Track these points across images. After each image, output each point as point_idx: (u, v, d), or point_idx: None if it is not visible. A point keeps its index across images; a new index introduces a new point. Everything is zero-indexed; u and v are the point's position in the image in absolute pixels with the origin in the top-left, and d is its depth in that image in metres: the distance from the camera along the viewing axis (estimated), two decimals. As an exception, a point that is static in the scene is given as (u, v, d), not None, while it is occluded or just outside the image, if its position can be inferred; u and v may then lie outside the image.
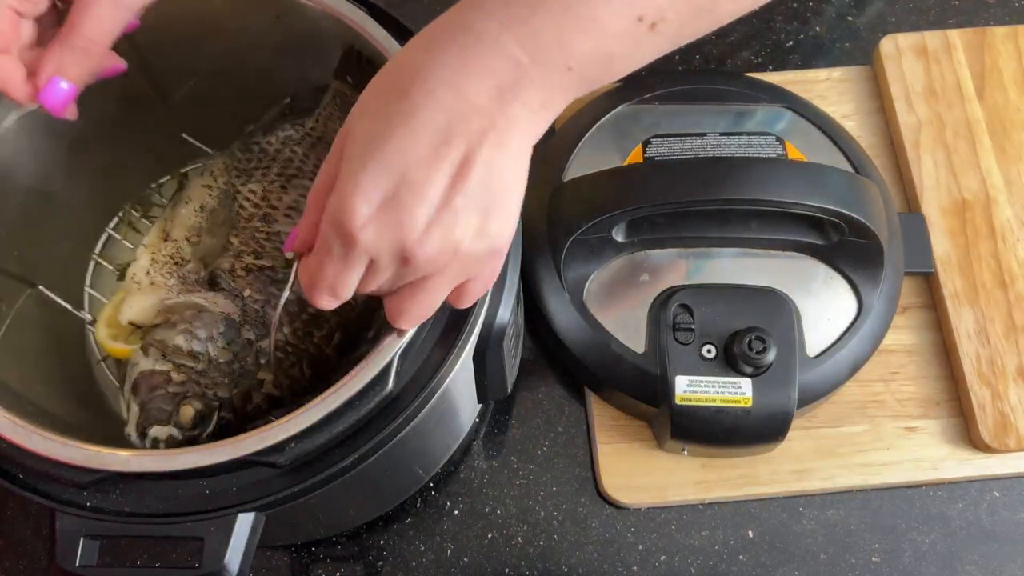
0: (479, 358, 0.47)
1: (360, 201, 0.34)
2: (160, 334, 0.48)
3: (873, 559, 0.57)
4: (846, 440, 0.59)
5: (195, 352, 0.47)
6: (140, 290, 0.51)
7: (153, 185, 0.62)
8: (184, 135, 0.60)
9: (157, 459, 0.40)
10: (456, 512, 0.58)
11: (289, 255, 0.40)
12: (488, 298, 0.44)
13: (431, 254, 0.35)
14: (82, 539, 0.39)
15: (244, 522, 0.40)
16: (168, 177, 0.62)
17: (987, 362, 0.59)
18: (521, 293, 0.55)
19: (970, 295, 0.61)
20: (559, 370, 0.62)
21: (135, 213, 0.61)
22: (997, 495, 0.59)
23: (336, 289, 0.37)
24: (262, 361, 0.48)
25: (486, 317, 0.44)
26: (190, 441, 0.46)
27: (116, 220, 0.61)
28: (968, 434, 0.59)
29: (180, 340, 0.47)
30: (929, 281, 0.63)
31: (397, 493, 0.57)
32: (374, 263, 0.36)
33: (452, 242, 0.35)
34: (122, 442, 0.46)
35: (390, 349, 0.40)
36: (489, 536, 0.58)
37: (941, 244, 0.62)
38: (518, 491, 0.59)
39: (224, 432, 0.47)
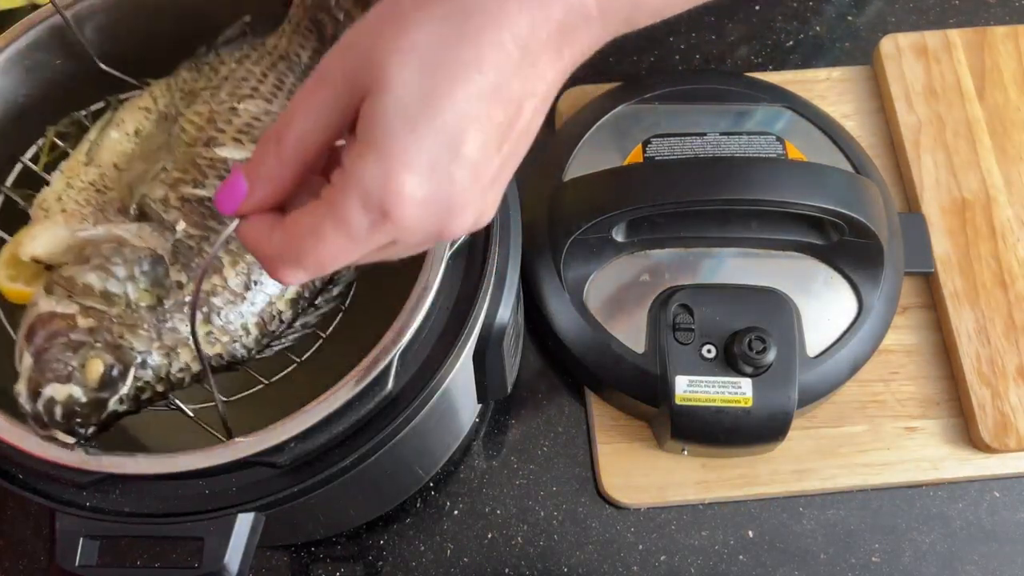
0: (479, 358, 0.47)
1: (411, 175, 0.29)
2: (69, 271, 0.40)
3: (873, 559, 0.57)
4: (846, 440, 0.59)
5: (110, 293, 0.40)
6: (48, 219, 0.43)
7: (84, 112, 0.50)
8: (104, 66, 0.50)
9: (156, 460, 0.40)
10: (456, 512, 0.58)
11: (181, 226, 0.34)
12: (488, 298, 0.44)
13: (457, 234, 0.31)
14: (82, 539, 0.39)
15: (244, 522, 0.40)
16: (102, 104, 0.51)
17: (987, 362, 0.59)
18: (521, 293, 0.55)
19: (970, 295, 0.61)
20: (559, 370, 0.62)
21: (60, 143, 0.50)
22: (997, 495, 0.59)
23: (327, 266, 0.31)
24: (179, 315, 0.41)
25: (486, 317, 0.44)
26: (96, 406, 0.39)
27: (34, 149, 0.50)
28: (968, 434, 0.59)
29: (92, 278, 0.40)
30: (929, 281, 0.63)
31: (397, 493, 0.57)
32: (394, 243, 0.31)
33: (478, 222, 0.32)
34: (122, 442, 0.46)
35: (390, 349, 0.40)
36: (489, 536, 0.58)
37: (941, 244, 0.62)
38: (518, 491, 0.59)
39: (141, 400, 0.40)
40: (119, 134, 0.46)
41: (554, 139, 0.64)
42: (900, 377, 0.61)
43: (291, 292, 0.44)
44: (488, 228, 0.45)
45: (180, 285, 0.41)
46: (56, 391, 0.38)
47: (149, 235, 0.41)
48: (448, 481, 0.59)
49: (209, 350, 0.42)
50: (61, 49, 0.49)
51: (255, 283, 0.43)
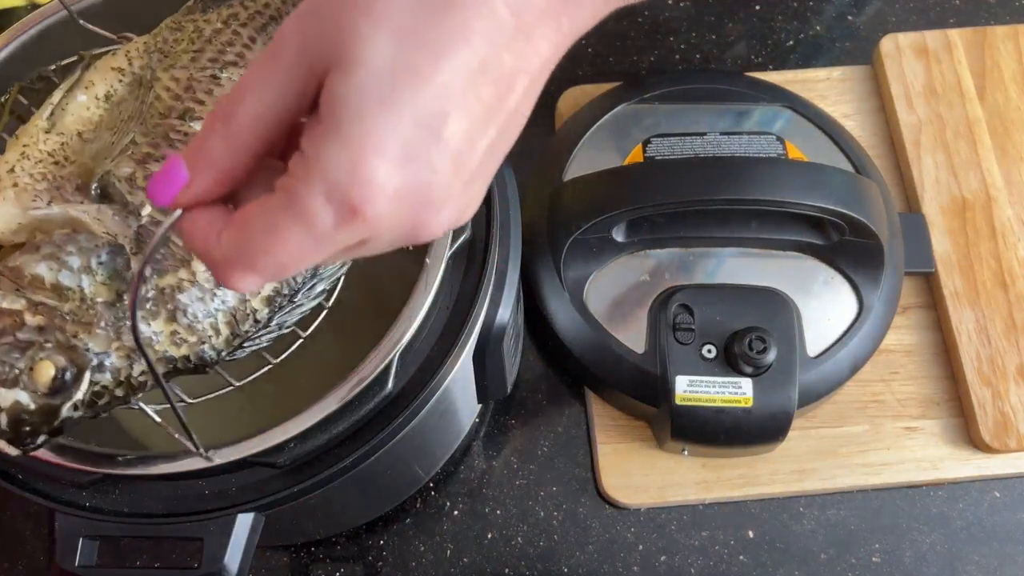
0: (479, 358, 0.46)
1: (383, 162, 0.25)
2: (16, 259, 0.36)
3: (873, 559, 0.57)
4: (846, 440, 0.59)
5: (62, 287, 0.35)
6: None
7: (52, 66, 0.46)
8: (81, 21, 0.46)
9: (156, 460, 0.40)
10: (456, 512, 0.58)
11: (145, 210, 0.29)
12: (488, 298, 0.44)
13: (435, 233, 0.27)
14: (81, 539, 0.39)
15: (243, 522, 0.40)
16: (74, 58, 0.46)
17: (987, 362, 0.59)
18: (521, 293, 0.55)
19: (970, 295, 0.61)
20: (559, 370, 0.62)
21: (23, 100, 0.45)
22: (998, 495, 0.59)
23: (286, 269, 0.27)
24: (140, 313, 0.36)
25: (486, 317, 0.44)
26: (47, 413, 0.35)
27: None
28: (968, 434, 0.59)
29: (43, 269, 0.36)
30: (929, 281, 0.63)
31: (397, 493, 0.56)
32: (363, 242, 0.27)
33: (458, 220, 0.28)
34: (121, 443, 0.46)
35: (390, 349, 0.40)
36: (489, 536, 0.58)
37: (941, 244, 0.62)
38: (518, 491, 0.59)
39: (98, 406, 0.36)
40: (87, 97, 0.41)
41: (554, 139, 0.64)
42: (900, 377, 0.61)
43: (268, 289, 0.40)
44: (488, 228, 0.45)
45: (144, 279, 0.37)
46: (1, 397, 0.34)
47: (110, 219, 0.37)
48: (448, 481, 0.59)
49: (175, 352, 0.38)
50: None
51: None
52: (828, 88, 0.69)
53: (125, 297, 0.36)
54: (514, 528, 0.58)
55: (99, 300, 0.36)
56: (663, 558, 0.57)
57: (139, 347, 0.30)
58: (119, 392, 0.37)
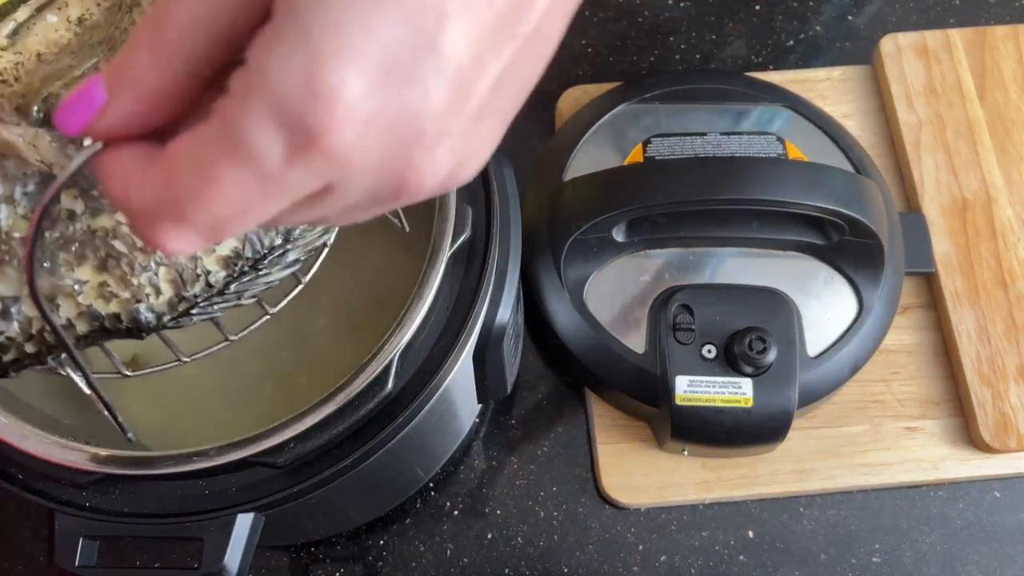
0: (479, 358, 0.46)
1: (353, 71, 0.18)
2: None
3: (874, 559, 0.57)
4: (846, 440, 0.59)
5: None
6: None
7: None
8: None
9: (156, 460, 0.40)
10: (456, 512, 0.58)
11: (87, 142, 0.22)
12: (488, 298, 0.44)
13: (426, 185, 0.21)
14: (81, 539, 0.39)
15: (243, 522, 0.40)
16: None
17: (988, 362, 0.59)
18: (521, 293, 0.55)
19: (971, 295, 0.61)
20: (559, 370, 0.62)
21: None
22: (998, 495, 0.59)
23: (226, 225, 0.20)
24: (64, 256, 0.32)
25: (486, 317, 0.44)
26: None
27: None
28: (969, 434, 0.59)
29: None
30: (930, 281, 0.63)
31: (397, 493, 0.56)
32: (329, 189, 0.20)
33: (458, 171, 0.21)
34: (121, 443, 0.46)
35: (390, 349, 0.40)
36: (489, 536, 0.58)
37: (941, 244, 0.62)
38: (518, 491, 0.59)
39: (3, 362, 0.33)
40: (57, 19, 0.37)
41: (554, 139, 0.64)
42: (900, 377, 0.61)
43: (226, 248, 0.35)
44: (488, 228, 0.45)
45: (72, 216, 0.32)
46: None
47: (46, 146, 0.32)
48: (448, 481, 0.59)
49: (102, 307, 0.33)
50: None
51: None
52: (828, 88, 0.69)
53: (47, 235, 0.32)
54: (514, 528, 0.58)
55: (16, 235, 0.31)
56: (663, 558, 0.57)
57: (33, 294, 0.25)
58: (29, 348, 0.32)
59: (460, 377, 0.45)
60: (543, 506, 0.58)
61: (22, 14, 0.37)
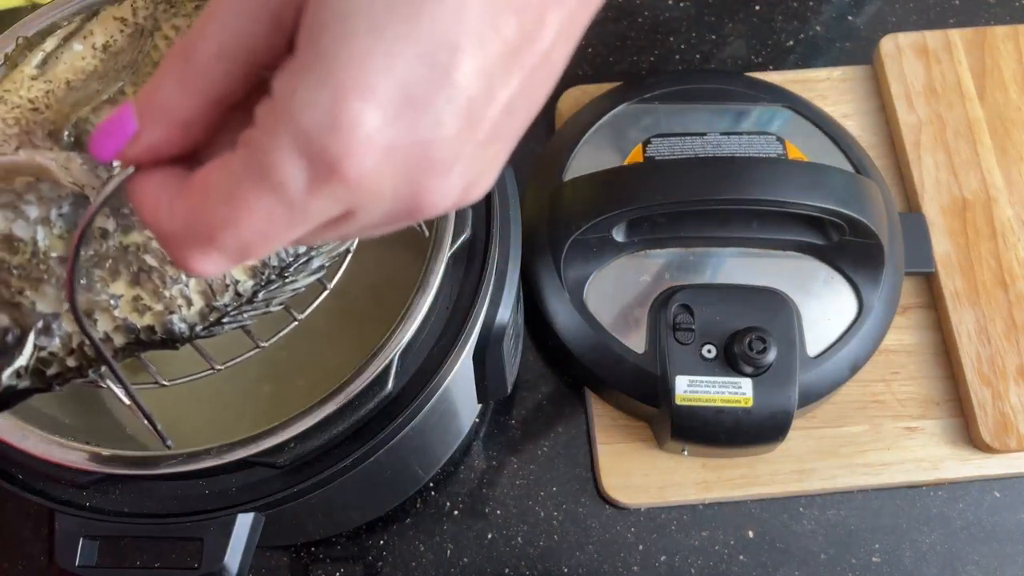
0: (479, 358, 0.46)
1: (372, 105, 0.20)
2: None
3: (873, 559, 0.57)
4: (846, 440, 0.59)
5: (14, 238, 0.32)
6: None
7: (67, 22, 0.42)
8: None
9: (156, 460, 0.40)
10: (456, 512, 0.58)
11: (116, 167, 0.24)
12: (488, 298, 0.44)
13: (439, 207, 0.22)
14: (81, 539, 0.39)
15: (243, 522, 0.40)
16: (81, 17, 0.42)
17: (988, 362, 0.59)
18: (521, 293, 0.55)
19: (971, 295, 0.61)
20: (559, 370, 0.62)
21: (26, 53, 0.41)
22: (998, 495, 0.59)
23: (253, 248, 0.22)
24: (100, 273, 0.33)
25: (486, 317, 0.44)
26: None
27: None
28: (969, 434, 0.59)
29: None
30: (930, 281, 0.63)
31: (397, 493, 0.56)
32: (349, 214, 0.22)
33: (469, 192, 0.23)
34: (121, 443, 0.46)
35: (390, 349, 0.40)
36: (489, 536, 0.58)
37: (941, 244, 0.62)
38: (518, 491, 0.59)
39: (47, 376, 0.33)
40: (84, 47, 0.38)
41: (554, 139, 0.64)
42: (900, 377, 0.61)
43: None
44: (488, 228, 0.45)
45: (105, 234, 0.33)
46: None
47: (78, 168, 0.33)
48: (448, 481, 0.59)
49: (137, 320, 0.34)
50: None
51: None
52: (828, 88, 0.69)
53: (83, 253, 0.33)
54: (514, 528, 0.58)
55: (53, 255, 0.32)
56: (663, 558, 0.57)
57: (75, 312, 0.26)
58: (71, 362, 0.33)
59: (460, 377, 0.45)
60: (543, 506, 0.58)
61: (50, 44, 0.39)
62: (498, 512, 0.58)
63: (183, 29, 0.37)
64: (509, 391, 0.56)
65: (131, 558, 0.41)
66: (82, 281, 0.33)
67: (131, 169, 0.23)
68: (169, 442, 0.37)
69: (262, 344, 0.39)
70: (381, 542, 0.58)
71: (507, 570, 0.57)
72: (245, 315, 0.37)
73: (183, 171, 0.23)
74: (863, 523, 0.58)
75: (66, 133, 0.36)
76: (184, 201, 0.22)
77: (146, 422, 0.36)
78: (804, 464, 0.58)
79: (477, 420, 0.60)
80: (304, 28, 0.20)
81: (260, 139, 0.20)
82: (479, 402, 0.55)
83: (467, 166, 0.22)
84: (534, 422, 0.61)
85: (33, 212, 0.33)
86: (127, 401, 0.36)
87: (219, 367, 0.38)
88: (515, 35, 0.21)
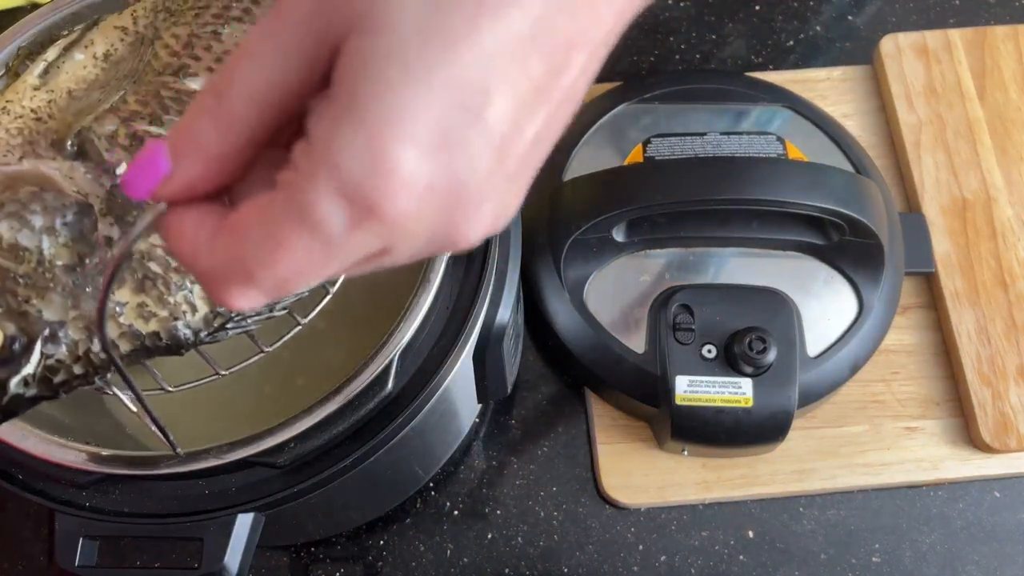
0: (479, 358, 0.46)
1: (410, 148, 0.20)
2: None
3: (874, 559, 0.57)
4: (846, 440, 0.59)
5: (19, 247, 0.32)
6: None
7: (66, 32, 0.43)
8: None
9: (156, 460, 0.40)
10: (456, 512, 0.58)
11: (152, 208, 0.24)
12: (488, 298, 0.44)
13: (471, 240, 0.23)
14: (81, 539, 0.39)
15: (243, 522, 0.40)
16: (82, 27, 0.43)
17: (988, 362, 0.59)
18: (521, 293, 0.55)
19: (971, 295, 0.61)
20: (559, 370, 0.62)
21: (29, 64, 0.41)
22: (998, 495, 0.59)
23: (290, 284, 0.22)
24: (113, 291, 0.33)
25: (486, 317, 0.44)
26: None
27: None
28: (969, 434, 0.59)
29: (2, 228, 0.33)
30: (930, 281, 0.63)
31: (397, 493, 0.56)
32: (385, 251, 0.23)
33: (496, 223, 0.24)
34: (121, 443, 0.46)
35: (390, 349, 0.40)
36: (489, 536, 0.58)
37: (942, 244, 0.62)
38: (518, 491, 0.59)
39: (54, 383, 0.33)
40: (84, 56, 0.38)
41: (554, 139, 0.64)
42: (900, 377, 0.61)
43: None
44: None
45: (109, 242, 0.33)
46: None
47: (82, 177, 0.34)
48: (448, 481, 0.59)
49: (142, 327, 0.34)
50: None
51: None
52: (828, 88, 0.69)
53: (87, 261, 0.33)
54: (514, 528, 0.58)
55: (58, 263, 0.32)
56: (663, 558, 0.57)
57: (103, 340, 0.27)
58: (77, 369, 0.33)
59: (460, 377, 0.45)
60: (543, 506, 0.58)
61: (51, 54, 0.39)
62: (498, 512, 0.58)
63: (182, 37, 0.37)
64: (509, 391, 0.56)
65: (131, 558, 0.41)
66: (87, 289, 0.33)
67: (163, 206, 0.23)
68: (179, 449, 0.37)
69: (266, 349, 0.39)
70: (381, 542, 0.58)
71: (507, 570, 0.57)
72: (249, 320, 0.37)
73: (217, 207, 0.23)
74: (863, 523, 0.58)
75: (69, 143, 0.36)
76: (223, 240, 0.22)
77: (155, 429, 0.36)
78: (804, 464, 0.58)
79: (477, 420, 0.60)
80: (340, 71, 0.21)
81: (299, 182, 0.21)
82: (479, 402, 0.55)
83: (497, 199, 0.23)
84: (534, 422, 0.61)
85: (38, 221, 0.33)
86: (134, 408, 0.36)
87: (223, 372, 0.39)
88: (542, 75, 0.22)
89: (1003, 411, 0.58)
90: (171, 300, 0.35)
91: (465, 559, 0.57)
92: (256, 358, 0.39)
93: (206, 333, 0.36)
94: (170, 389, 0.38)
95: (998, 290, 0.61)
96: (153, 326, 0.34)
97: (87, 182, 0.34)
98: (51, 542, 0.39)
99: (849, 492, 0.59)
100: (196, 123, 0.22)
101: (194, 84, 0.36)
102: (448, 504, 0.59)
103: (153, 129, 0.35)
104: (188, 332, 0.35)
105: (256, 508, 0.40)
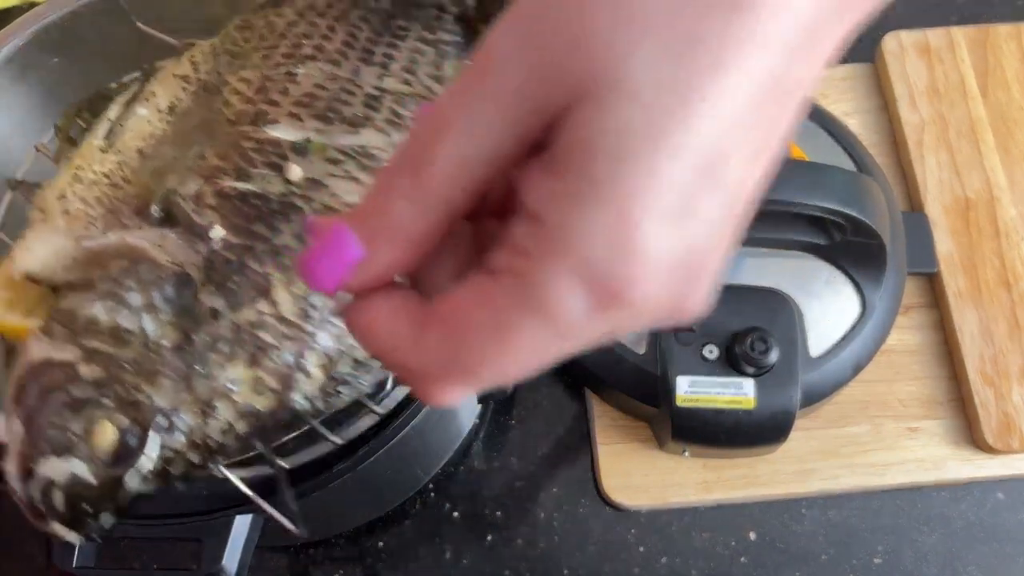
0: (479, 358, 0.46)
1: (655, 226, 0.19)
2: (68, 301, 0.31)
3: (875, 560, 0.57)
4: (848, 441, 0.59)
5: (121, 329, 0.30)
6: (47, 224, 0.33)
7: (114, 84, 0.41)
8: (141, 25, 0.41)
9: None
10: (455, 513, 0.58)
11: (334, 302, 0.22)
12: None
13: (693, 314, 0.21)
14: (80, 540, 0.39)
15: (242, 523, 0.40)
16: (137, 73, 0.41)
17: (990, 362, 0.59)
18: (521, 293, 0.54)
19: (973, 295, 0.61)
20: (559, 370, 0.62)
21: (81, 123, 0.40)
22: (1000, 496, 0.59)
23: (513, 376, 0.21)
24: (214, 357, 0.31)
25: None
26: (109, 486, 0.29)
27: (51, 134, 0.41)
28: (971, 435, 0.59)
29: (98, 309, 0.30)
30: (932, 281, 0.63)
31: (396, 494, 0.56)
32: (612, 332, 0.21)
33: (712, 290, 0.22)
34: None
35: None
36: (489, 538, 0.58)
37: (944, 243, 0.62)
38: (518, 492, 0.59)
39: (171, 476, 0.31)
40: (148, 111, 0.36)
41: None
42: (903, 377, 0.60)
43: None
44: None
45: (215, 314, 0.31)
46: (54, 469, 0.29)
47: (174, 245, 0.31)
48: (448, 482, 0.59)
49: (258, 403, 0.32)
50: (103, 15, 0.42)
51: (315, 308, 0.32)
52: (830, 86, 0.69)
53: (195, 338, 0.31)
54: (514, 529, 0.58)
55: (165, 344, 0.30)
56: (664, 559, 0.57)
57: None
58: (194, 457, 0.31)
59: (460, 377, 0.45)
60: (543, 507, 0.58)
61: (113, 112, 0.37)
62: (498, 513, 0.58)
63: (254, 82, 0.35)
64: (509, 391, 0.55)
65: (130, 559, 0.41)
66: (198, 368, 0.31)
67: (349, 297, 0.21)
68: (301, 530, 0.34)
69: (378, 410, 0.37)
70: (380, 543, 0.58)
71: (507, 571, 0.57)
72: (361, 380, 0.35)
73: (412, 295, 0.21)
74: (864, 524, 0.58)
75: (153, 208, 0.33)
76: (435, 334, 0.20)
77: (281, 517, 0.34)
78: (805, 465, 0.58)
79: (477, 420, 0.60)
80: (567, 144, 0.19)
81: (531, 268, 0.19)
82: (479, 402, 0.55)
83: (720, 263, 0.21)
84: (534, 422, 0.61)
85: (135, 299, 0.31)
86: (249, 493, 0.34)
87: (339, 440, 0.37)
88: (768, 124, 0.20)
89: (1006, 412, 0.58)
90: (284, 371, 0.32)
91: (465, 560, 0.57)
92: (365, 418, 0.37)
93: (321, 401, 0.34)
94: (284, 466, 0.35)
95: (1001, 290, 0.61)
96: (268, 400, 0.32)
97: (180, 249, 0.31)
98: (49, 543, 0.39)
99: (851, 493, 0.58)
100: (391, 204, 0.20)
101: (275, 131, 0.33)
102: (448, 505, 0.58)
103: (240, 185, 0.33)
104: (304, 402, 0.33)
105: (255, 509, 0.40)
